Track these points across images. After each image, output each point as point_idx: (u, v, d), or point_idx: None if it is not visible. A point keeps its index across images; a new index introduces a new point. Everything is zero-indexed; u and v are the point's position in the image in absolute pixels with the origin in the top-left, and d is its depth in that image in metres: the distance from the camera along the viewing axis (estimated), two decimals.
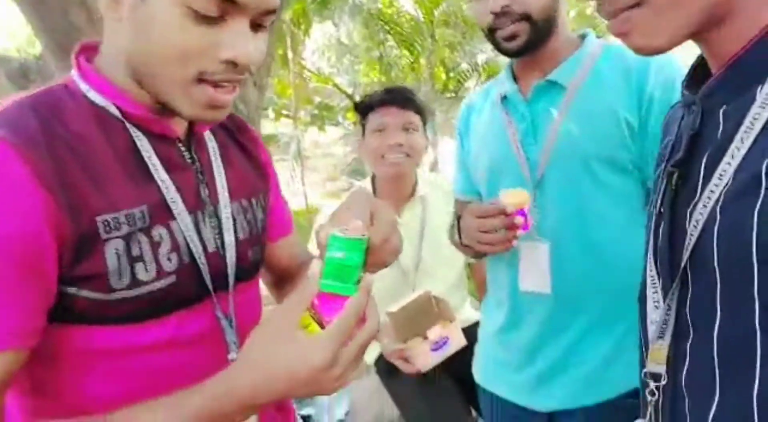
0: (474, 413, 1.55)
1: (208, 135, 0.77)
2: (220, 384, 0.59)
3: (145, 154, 0.68)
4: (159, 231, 0.66)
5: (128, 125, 0.68)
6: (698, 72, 0.61)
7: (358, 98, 6.54)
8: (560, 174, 1.07)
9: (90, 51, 0.71)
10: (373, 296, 0.60)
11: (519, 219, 1.02)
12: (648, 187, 1.02)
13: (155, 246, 0.65)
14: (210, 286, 0.71)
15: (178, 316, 0.68)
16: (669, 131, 0.67)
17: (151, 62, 0.63)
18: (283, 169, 7.65)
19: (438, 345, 1.40)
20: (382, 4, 6.48)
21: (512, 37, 1.06)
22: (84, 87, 0.68)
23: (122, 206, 0.63)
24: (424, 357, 1.39)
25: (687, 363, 0.55)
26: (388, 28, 6.22)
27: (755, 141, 0.49)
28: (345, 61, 7.74)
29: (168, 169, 0.69)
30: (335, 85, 7.41)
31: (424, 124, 1.57)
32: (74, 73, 0.69)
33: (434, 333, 1.40)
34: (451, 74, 6.84)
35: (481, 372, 1.24)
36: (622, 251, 1.05)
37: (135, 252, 0.63)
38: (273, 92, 7.38)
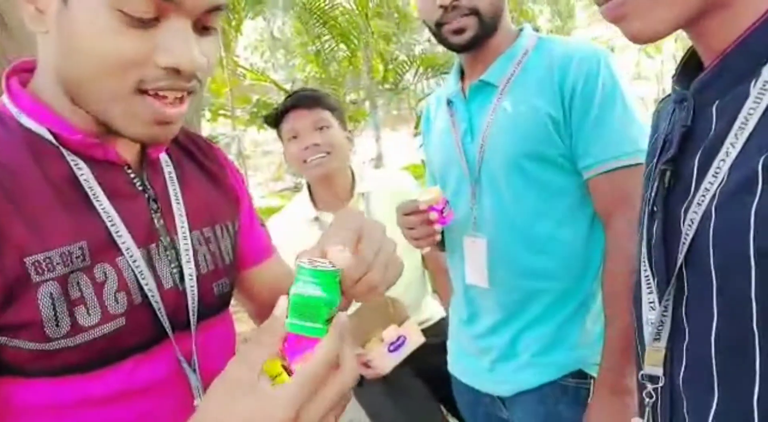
0: (445, 411, 1.54)
1: (164, 159, 0.70)
2: None
3: (85, 184, 0.61)
4: (103, 269, 0.60)
5: (65, 152, 0.61)
6: (688, 65, 0.59)
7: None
8: (493, 171, 1.11)
9: (24, 72, 0.65)
10: (348, 337, 0.51)
11: (433, 215, 1.08)
12: (584, 179, 1.04)
13: (98, 286, 0.59)
14: (168, 327, 0.64)
15: (133, 362, 0.61)
16: (659, 126, 0.65)
17: (83, 75, 0.57)
18: None
19: (395, 346, 1.39)
20: None
21: (460, 31, 1.08)
22: (15, 111, 0.61)
23: (56, 244, 0.56)
24: (381, 359, 1.38)
25: (684, 364, 0.55)
26: (322, 21, 6.12)
27: (749, 137, 0.48)
28: (279, 56, 7.59)
29: (113, 199, 0.62)
30: (272, 82, 7.24)
31: (341, 120, 1.56)
32: (4, 97, 0.63)
33: (389, 333, 1.39)
34: (390, 66, 6.83)
35: (450, 359, 1.29)
36: (561, 244, 1.08)
37: (74, 294, 0.57)
38: (208, 91, 7.12)
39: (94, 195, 0.61)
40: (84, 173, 0.61)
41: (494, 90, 1.12)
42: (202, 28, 0.59)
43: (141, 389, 0.61)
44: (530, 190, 1.08)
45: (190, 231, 0.69)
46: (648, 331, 0.59)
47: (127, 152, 0.66)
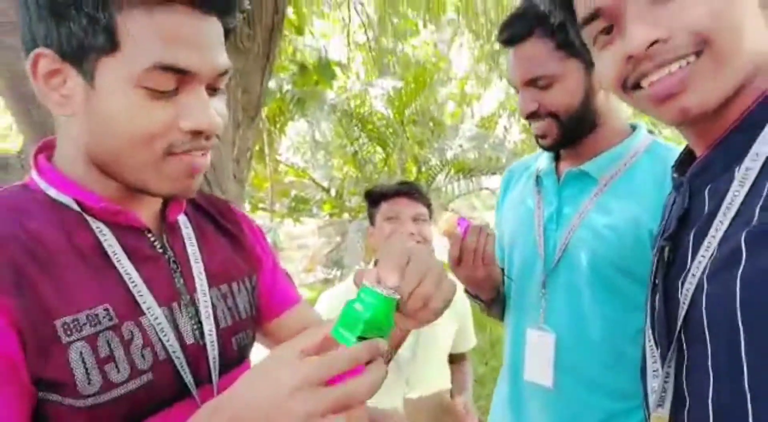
0: None
1: (182, 221, 0.73)
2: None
3: (108, 249, 0.64)
4: (129, 328, 0.62)
5: (89, 219, 0.64)
6: (685, 158, 0.67)
7: (333, 191, 6.66)
8: (575, 270, 1.04)
9: (50, 149, 0.68)
10: (387, 368, 0.53)
11: (458, 231, 1.05)
12: None
13: (126, 343, 0.61)
14: (191, 380, 0.66)
15: (160, 417, 0.63)
16: (664, 214, 0.70)
17: (115, 149, 0.60)
18: None
19: None
20: (355, 104, 6.87)
21: (542, 136, 1.08)
22: (44, 185, 0.65)
23: (83, 306, 0.59)
24: None
25: None
26: (361, 125, 6.55)
27: (736, 215, 0.53)
28: (319, 157, 8.02)
29: (135, 262, 0.65)
30: (311, 179, 7.61)
31: (430, 216, 1.68)
32: (33, 172, 0.66)
33: None
34: (423, 169, 7.12)
35: None
36: (631, 358, 0.99)
37: (104, 352, 0.59)
38: (250, 185, 7.53)
39: (117, 259, 0.63)
40: (107, 238, 0.64)
41: (593, 183, 1.07)
42: (212, 89, 0.64)
43: None
44: (610, 300, 1.02)
45: (209, 288, 0.71)
46: (652, 399, 0.60)
47: (147, 217, 0.69)
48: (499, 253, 1.24)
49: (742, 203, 0.53)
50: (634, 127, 1.12)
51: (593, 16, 0.61)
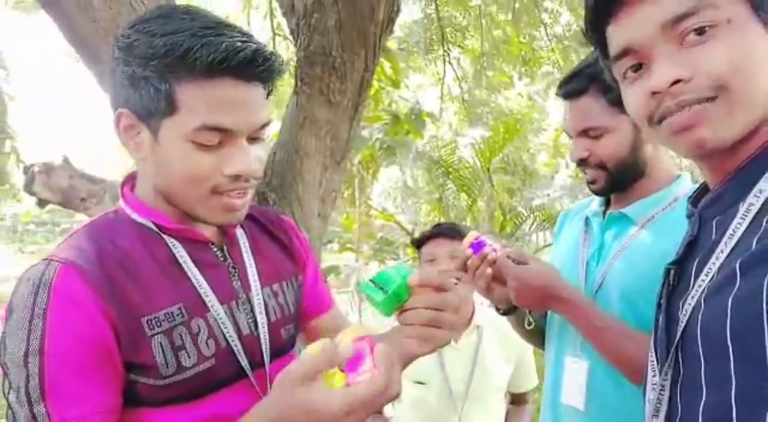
0: None
1: (240, 233, 0.87)
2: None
3: (180, 259, 0.78)
4: (197, 323, 0.75)
5: (165, 237, 0.78)
6: (701, 191, 0.70)
7: (417, 234, 6.80)
8: (607, 301, 1.11)
9: (132, 181, 0.84)
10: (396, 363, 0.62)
11: (468, 251, 1.16)
12: None
13: (194, 336, 0.74)
14: (247, 365, 0.78)
15: (221, 394, 0.76)
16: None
17: (173, 186, 0.74)
18: (341, 302, 7.88)
19: None
20: (444, 153, 7.06)
21: (592, 182, 1.17)
22: (129, 211, 0.79)
23: (162, 306, 0.72)
24: None
25: None
26: (447, 172, 6.72)
27: (736, 245, 0.57)
28: (410, 202, 8.25)
29: (202, 269, 0.78)
30: (397, 223, 7.84)
31: None
32: (121, 201, 0.81)
33: None
34: (508, 216, 7.09)
35: None
36: None
37: (177, 343, 0.72)
38: (339, 226, 7.91)
39: (187, 267, 0.78)
40: (179, 251, 0.79)
41: (631, 224, 1.14)
42: (253, 139, 0.74)
43: (226, 418, 0.73)
44: (637, 327, 1.05)
45: (262, 288, 0.85)
46: (647, 409, 0.63)
47: (210, 232, 0.84)
48: None
49: (742, 236, 0.56)
50: (678, 176, 1.19)
51: (623, 53, 0.65)
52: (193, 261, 0.78)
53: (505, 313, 1.30)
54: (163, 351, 0.71)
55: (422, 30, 6.35)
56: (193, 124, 0.68)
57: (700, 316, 0.56)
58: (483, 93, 7.89)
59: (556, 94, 1.22)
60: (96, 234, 0.74)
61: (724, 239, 0.58)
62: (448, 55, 6.33)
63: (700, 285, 0.58)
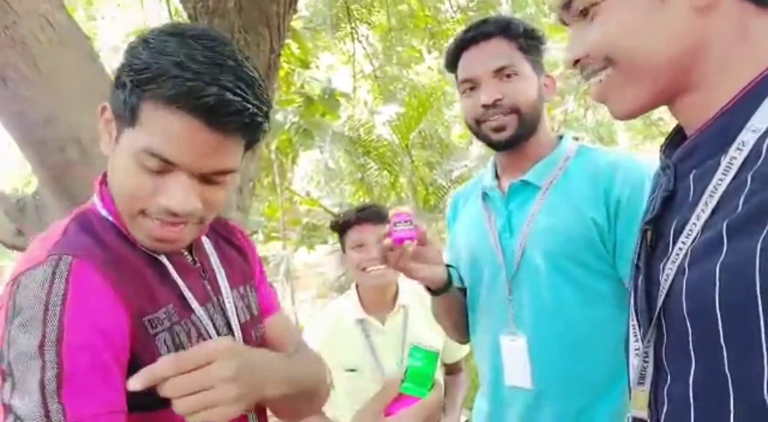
0: None
1: (204, 240, 0.89)
2: None
3: (162, 260, 0.79)
4: (187, 323, 0.78)
5: None
6: (676, 137, 0.64)
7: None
8: (532, 269, 1.10)
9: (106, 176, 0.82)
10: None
11: (386, 242, 1.09)
12: (626, 286, 0.96)
13: (189, 335, 0.77)
14: None
15: None
16: (652, 192, 0.70)
17: (115, 192, 0.77)
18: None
19: None
20: (362, 132, 7.05)
21: (500, 129, 1.12)
22: (104, 213, 0.79)
23: (159, 306, 0.74)
24: None
25: (666, 405, 0.57)
26: (367, 152, 6.73)
27: (718, 203, 0.53)
28: (333, 185, 8.20)
29: (180, 273, 0.80)
30: (321, 206, 7.78)
31: None
32: (95, 196, 0.81)
33: None
34: (430, 190, 7.24)
35: None
36: (599, 349, 1.04)
37: (177, 340, 0.75)
38: (262, 215, 7.73)
39: (171, 271, 0.79)
40: (162, 256, 0.79)
41: (536, 191, 1.14)
42: (207, 181, 0.75)
43: None
44: (569, 291, 1.07)
45: (231, 290, 0.87)
46: (633, 376, 0.61)
47: None
48: (458, 273, 1.27)
49: (725, 192, 0.52)
50: (560, 137, 1.21)
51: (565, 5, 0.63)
52: (173, 265, 0.80)
53: (435, 293, 1.25)
54: (167, 348, 0.73)
55: (327, 8, 6.23)
56: (141, 143, 0.70)
57: (684, 282, 0.54)
58: (394, 69, 7.92)
59: (463, 41, 1.18)
60: (86, 233, 0.75)
61: (705, 196, 0.54)
62: (356, 32, 6.27)
63: (681, 248, 0.55)
